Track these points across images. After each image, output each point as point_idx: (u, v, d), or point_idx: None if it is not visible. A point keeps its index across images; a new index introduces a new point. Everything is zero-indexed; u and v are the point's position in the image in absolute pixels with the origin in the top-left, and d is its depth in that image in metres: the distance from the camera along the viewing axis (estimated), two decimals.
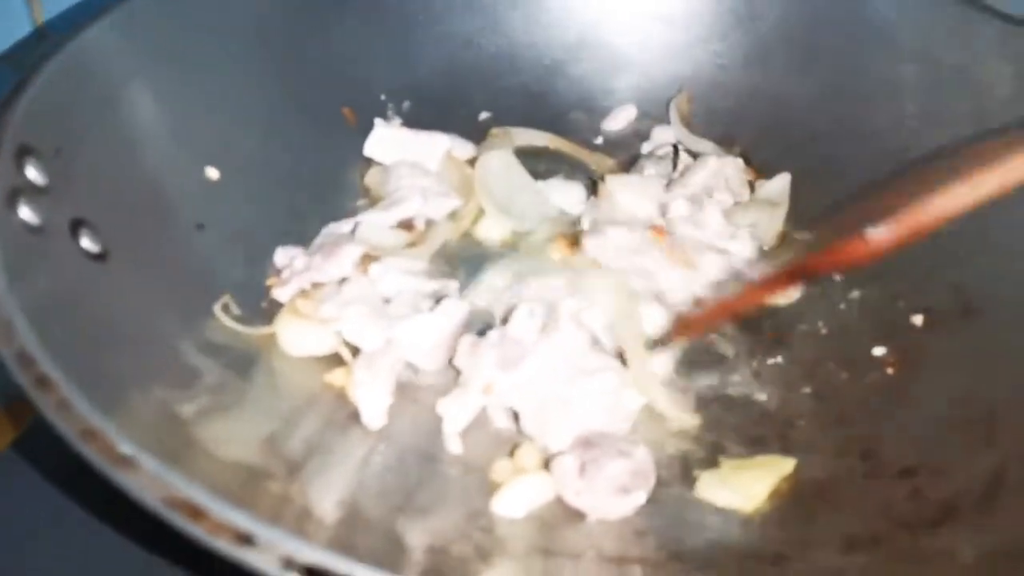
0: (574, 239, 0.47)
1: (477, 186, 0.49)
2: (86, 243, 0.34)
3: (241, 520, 0.22)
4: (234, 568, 0.21)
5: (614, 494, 0.34)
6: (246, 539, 0.21)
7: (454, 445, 0.36)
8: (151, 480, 0.22)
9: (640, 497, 0.34)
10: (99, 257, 0.34)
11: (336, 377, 0.39)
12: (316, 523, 0.28)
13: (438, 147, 0.50)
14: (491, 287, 0.43)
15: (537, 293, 0.41)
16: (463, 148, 0.52)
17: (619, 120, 0.56)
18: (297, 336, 0.40)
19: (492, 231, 0.48)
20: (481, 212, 0.48)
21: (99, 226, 0.35)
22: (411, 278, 0.43)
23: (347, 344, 0.40)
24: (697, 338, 0.42)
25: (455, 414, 0.37)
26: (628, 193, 0.47)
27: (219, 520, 0.22)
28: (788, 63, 0.54)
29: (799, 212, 0.49)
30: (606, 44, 0.57)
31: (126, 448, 0.23)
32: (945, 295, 0.43)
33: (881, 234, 0.33)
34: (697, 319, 0.41)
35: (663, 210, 0.47)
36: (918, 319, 0.43)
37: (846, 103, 0.53)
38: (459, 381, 0.38)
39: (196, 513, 0.22)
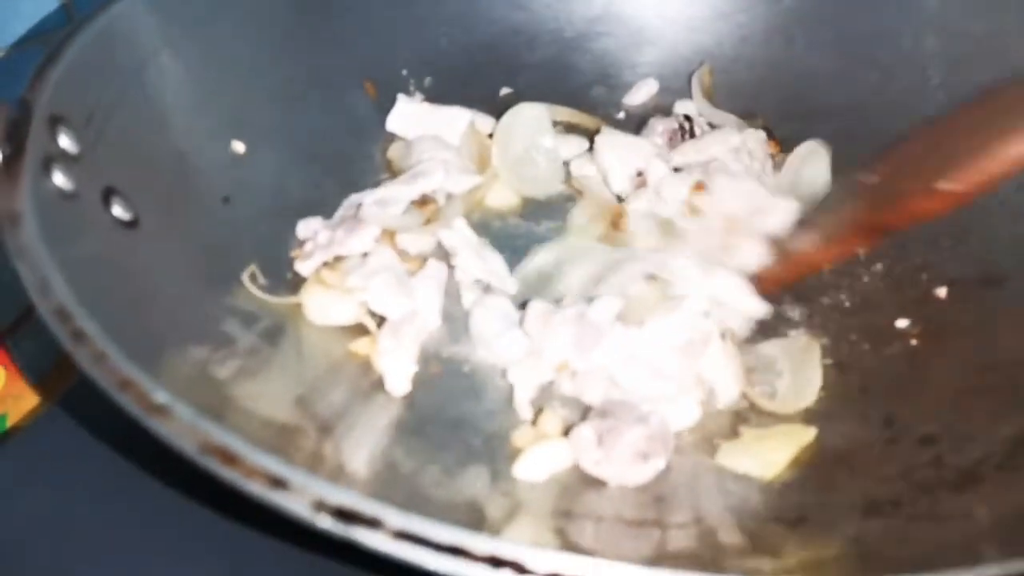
0: (617, 218, 0.46)
1: (497, 136, 0.48)
2: (117, 211, 0.35)
3: (273, 465, 0.22)
4: (277, 517, 0.22)
5: (633, 461, 0.34)
6: (279, 482, 0.22)
7: (525, 411, 0.37)
8: (186, 427, 0.23)
9: (659, 463, 0.35)
10: (130, 224, 0.35)
11: (361, 346, 0.40)
12: (348, 478, 0.28)
13: (460, 121, 0.50)
14: (540, 271, 0.43)
15: (619, 284, 0.41)
16: (484, 123, 0.52)
17: (641, 94, 0.56)
18: (322, 305, 0.40)
19: (501, 198, 0.48)
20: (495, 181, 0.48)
21: (129, 194, 0.36)
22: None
23: (371, 313, 0.40)
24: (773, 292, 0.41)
25: (526, 381, 0.37)
26: (612, 151, 0.47)
27: (252, 465, 0.22)
28: (811, 35, 0.54)
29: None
30: (628, 17, 0.57)
31: (161, 397, 0.24)
32: (969, 266, 0.43)
33: (954, 187, 0.33)
34: (777, 275, 0.41)
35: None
36: (942, 291, 0.43)
37: (870, 75, 0.52)
38: (530, 349, 0.38)
39: (230, 458, 0.22)
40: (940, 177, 0.34)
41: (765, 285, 0.41)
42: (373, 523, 0.21)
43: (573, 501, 0.34)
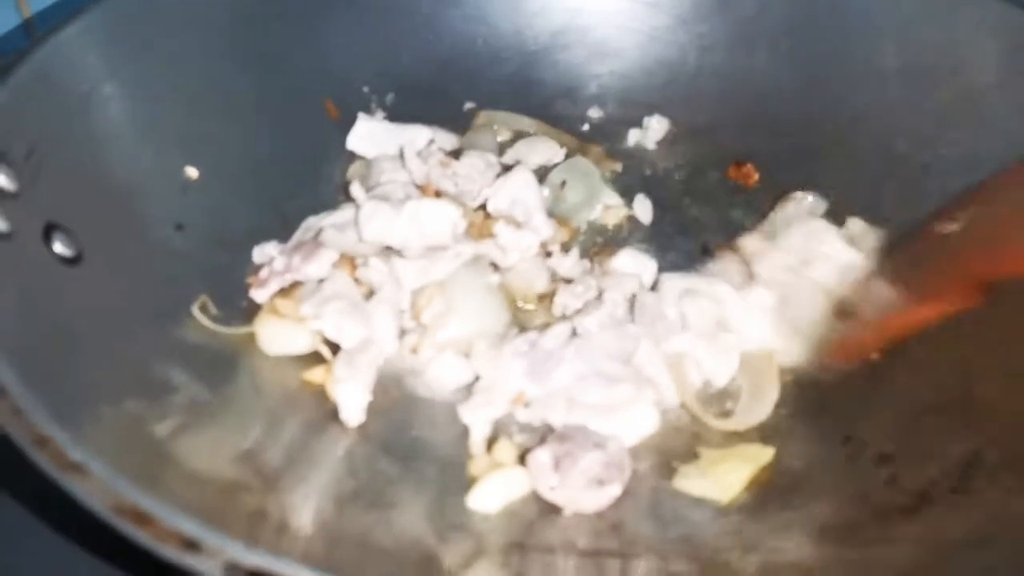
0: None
1: None
2: (59, 247, 0.34)
3: (187, 526, 0.22)
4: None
5: (589, 487, 0.34)
6: (192, 545, 0.22)
7: (480, 448, 0.36)
8: (100, 487, 0.23)
9: (615, 489, 0.34)
10: (72, 261, 0.34)
11: (315, 375, 0.39)
12: (292, 537, 0.28)
13: (421, 139, 0.50)
14: None
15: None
16: (446, 139, 0.52)
17: (652, 132, 0.54)
18: (276, 335, 0.40)
19: None
20: None
21: (73, 229, 0.35)
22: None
23: (326, 342, 0.40)
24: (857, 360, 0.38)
25: (480, 419, 0.37)
26: None
27: (166, 526, 0.22)
28: (772, 47, 0.54)
29: (789, 191, 0.48)
30: (590, 30, 0.57)
31: (77, 455, 0.23)
32: None
33: None
34: (857, 343, 0.38)
35: None
36: None
37: (831, 85, 0.52)
38: (480, 387, 0.38)
39: (143, 519, 0.22)
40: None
41: (840, 352, 0.38)
42: None
43: (528, 532, 0.34)
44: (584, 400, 0.37)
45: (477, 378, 0.39)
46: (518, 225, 0.43)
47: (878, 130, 0.49)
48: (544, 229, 0.44)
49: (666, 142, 0.54)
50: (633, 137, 0.55)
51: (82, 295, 0.33)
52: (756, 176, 0.51)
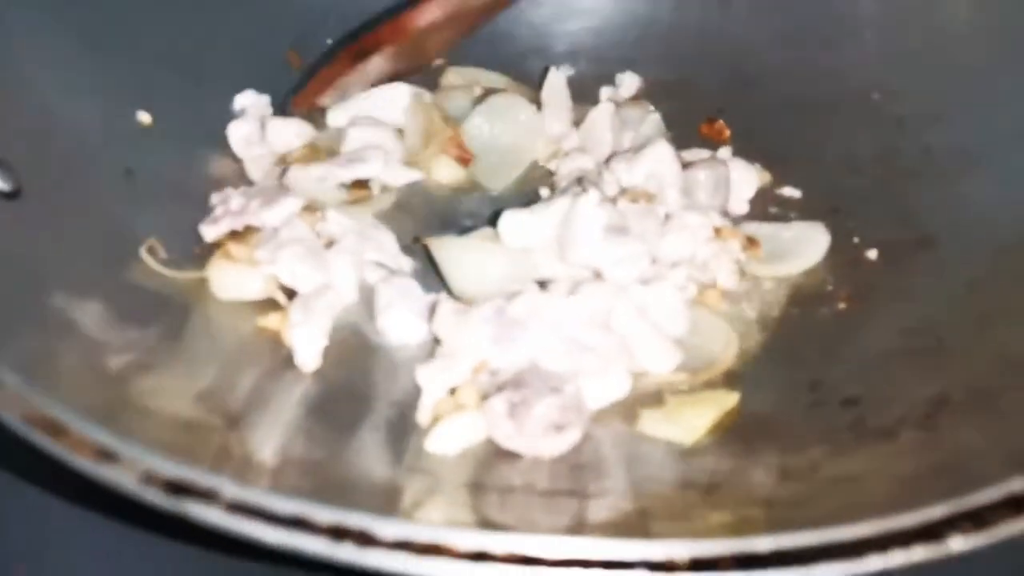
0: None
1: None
2: None
3: (101, 436, 0.21)
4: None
5: (546, 433, 0.33)
6: (107, 455, 0.20)
7: (425, 416, 0.34)
8: (13, 397, 0.21)
9: (574, 434, 0.33)
10: (10, 195, 0.33)
11: (271, 321, 0.38)
12: (256, 470, 0.27)
13: (401, 98, 0.48)
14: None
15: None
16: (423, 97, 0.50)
17: (625, 89, 0.52)
18: (229, 280, 0.39)
19: (447, 173, 0.46)
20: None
21: (11, 163, 0.34)
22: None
23: (283, 288, 0.39)
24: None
25: (436, 386, 0.35)
26: None
27: (80, 436, 0.21)
28: (747, 1, 0.53)
29: (765, 151, 0.47)
30: None
31: None
32: (900, 228, 0.42)
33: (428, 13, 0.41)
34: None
35: None
36: (872, 254, 0.42)
37: (807, 41, 0.51)
38: (441, 351, 0.36)
39: (57, 430, 0.21)
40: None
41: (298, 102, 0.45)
42: (207, 495, 0.20)
43: (486, 474, 0.33)
44: (549, 370, 0.36)
45: (436, 340, 0.37)
46: (649, 199, 0.41)
47: (854, 83, 0.48)
48: (675, 206, 0.42)
49: (638, 99, 0.53)
50: (605, 94, 0.53)
51: (22, 231, 0.32)
52: (728, 132, 0.51)
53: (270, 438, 0.31)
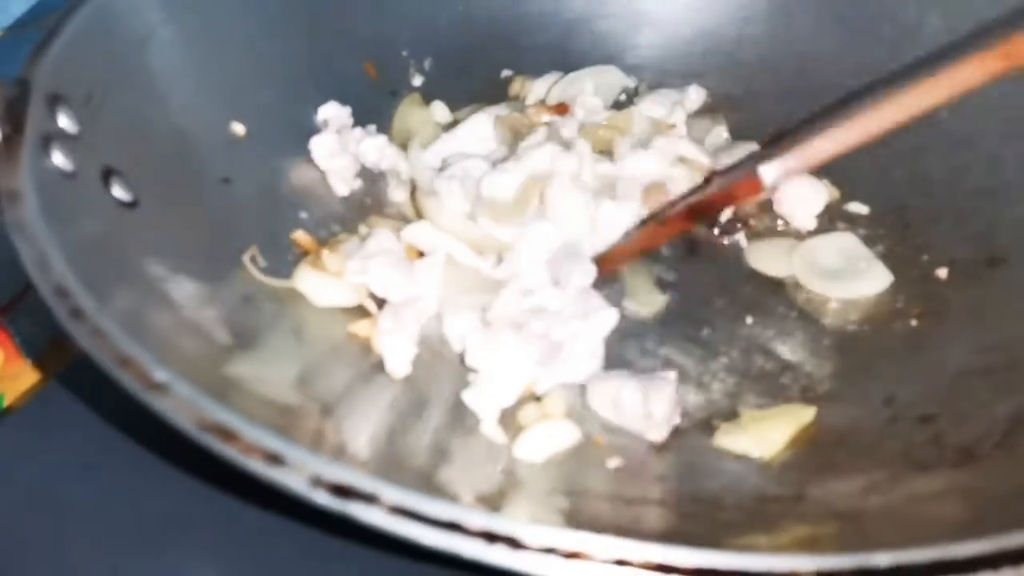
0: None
1: None
2: (117, 191, 0.35)
3: (270, 441, 0.22)
4: (274, 492, 0.22)
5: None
6: (276, 459, 0.22)
7: (492, 431, 0.35)
8: (185, 405, 0.23)
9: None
10: (130, 205, 0.35)
11: (360, 328, 0.40)
12: (350, 459, 0.28)
13: (483, 126, 0.48)
14: None
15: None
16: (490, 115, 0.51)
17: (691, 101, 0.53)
18: (321, 288, 0.40)
19: None
20: None
21: (129, 175, 0.36)
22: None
23: (372, 296, 0.40)
24: (610, 275, 0.41)
25: (488, 408, 0.36)
26: None
27: (250, 441, 0.22)
28: (813, 12, 0.53)
29: (831, 167, 0.48)
30: None
31: (161, 375, 0.24)
32: (970, 246, 0.43)
33: (772, 171, 0.34)
34: (609, 257, 0.41)
35: None
36: (943, 272, 0.43)
37: (872, 55, 0.52)
38: (481, 377, 0.37)
39: (228, 435, 0.22)
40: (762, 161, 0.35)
41: (604, 267, 0.41)
42: (369, 499, 0.22)
43: (572, 481, 0.34)
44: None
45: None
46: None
47: None
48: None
49: (704, 111, 0.54)
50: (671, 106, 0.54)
51: (141, 238, 0.34)
52: None
53: (363, 431, 0.33)
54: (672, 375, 0.37)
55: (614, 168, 0.44)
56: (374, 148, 0.47)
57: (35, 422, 0.38)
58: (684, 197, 0.42)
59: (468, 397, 0.36)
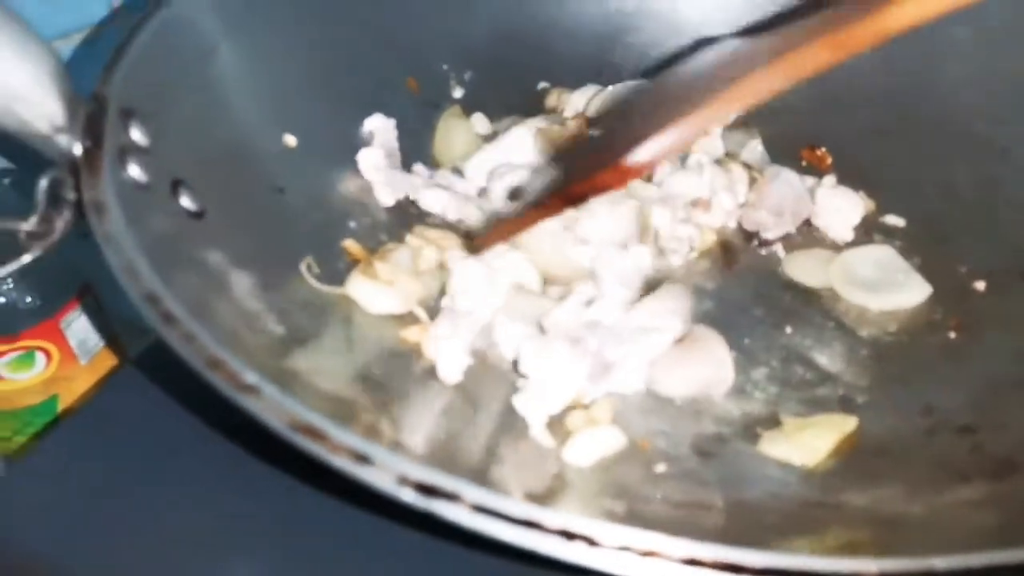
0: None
1: None
2: (185, 202, 0.36)
3: (357, 441, 0.24)
4: (341, 480, 0.23)
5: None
6: (364, 458, 0.23)
7: (541, 436, 0.36)
8: (275, 406, 0.24)
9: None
10: (197, 215, 0.36)
11: (411, 333, 0.41)
12: (408, 453, 0.29)
13: (524, 139, 0.49)
14: None
15: None
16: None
17: None
18: (373, 295, 0.42)
19: None
20: None
21: (195, 186, 0.37)
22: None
23: (421, 303, 0.42)
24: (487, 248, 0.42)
25: (536, 414, 0.37)
26: None
27: (338, 441, 0.24)
28: None
29: (866, 178, 0.49)
30: (665, 12, 0.58)
31: (250, 377, 0.25)
32: (1008, 258, 0.44)
33: (638, 158, 0.33)
34: (487, 237, 0.42)
35: None
36: (980, 284, 0.44)
37: (907, 67, 0.52)
38: (531, 384, 0.38)
39: (317, 435, 0.24)
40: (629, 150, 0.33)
41: (476, 245, 0.41)
42: (452, 497, 0.23)
43: (620, 485, 0.35)
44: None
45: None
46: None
47: (955, 111, 0.50)
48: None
49: (738, 124, 0.55)
50: None
51: (208, 246, 0.35)
52: (830, 160, 0.52)
53: (417, 431, 0.34)
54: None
55: (658, 188, 0.45)
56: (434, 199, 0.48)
57: (89, 426, 0.39)
58: (556, 184, 0.41)
59: (518, 402, 0.37)
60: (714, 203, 0.47)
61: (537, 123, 0.51)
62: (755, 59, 0.33)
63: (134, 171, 0.33)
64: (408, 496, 0.23)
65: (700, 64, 0.39)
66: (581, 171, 0.37)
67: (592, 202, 0.39)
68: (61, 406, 0.47)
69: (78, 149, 0.32)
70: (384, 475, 0.23)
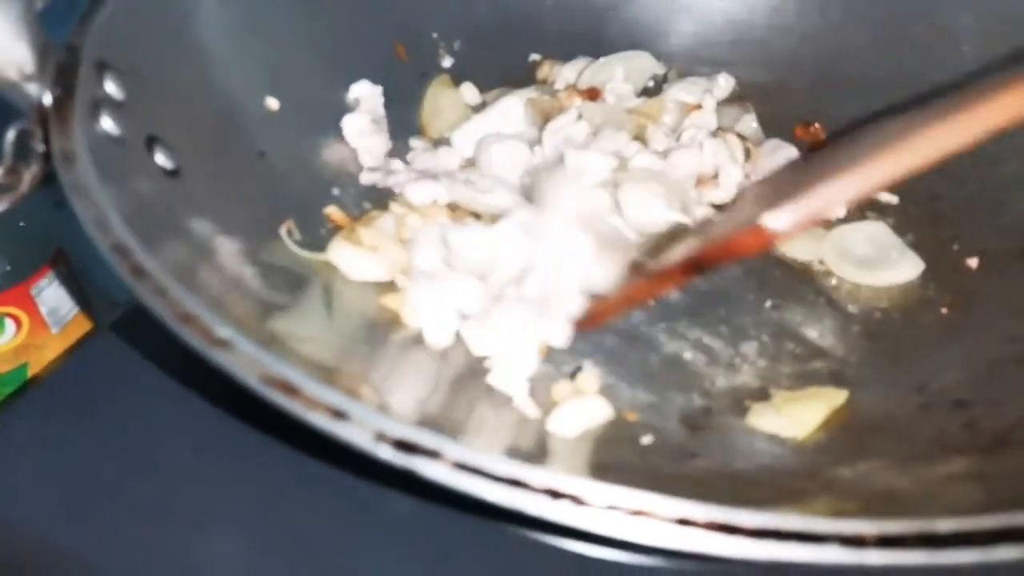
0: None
1: None
2: (160, 159, 0.35)
3: (333, 397, 0.23)
4: (322, 440, 0.23)
5: None
6: (340, 414, 0.22)
7: (528, 408, 0.35)
8: (248, 360, 0.23)
9: None
10: (172, 174, 0.35)
11: (392, 300, 0.40)
12: (395, 416, 0.28)
13: (515, 109, 0.48)
14: None
15: None
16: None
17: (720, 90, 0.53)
18: (355, 261, 0.41)
19: None
20: None
21: (171, 144, 0.36)
22: None
23: (405, 272, 0.41)
24: (598, 327, 0.38)
25: (513, 382, 0.36)
26: None
27: (314, 397, 0.23)
28: (845, 7, 0.54)
29: None
30: None
31: (223, 331, 0.24)
32: (1001, 236, 0.43)
33: (779, 222, 0.30)
34: (600, 311, 0.38)
35: None
36: (973, 262, 0.43)
37: (904, 48, 0.52)
38: (496, 358, 0.37)
39: (292, 390, 0.23)
40: (765, 212, 0.30)
41: (581, 324, 0.38)
42: (433, 454, 0.22)
43: (606, 456, 0.34)
44: None
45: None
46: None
47: (952, 90, 0.49)
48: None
49: (733, 99, 0.54)
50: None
51: (184, 205, 0.34)
52: (823, 136, 0.52)
53: (399, 396, 0.33)
54: None
55: (657, 162, 0.44)
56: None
57: (60, 394, 0.38)
58: (679, 245, 0.38)
59: (492, 380, 0.36)
60: (721, 177, 0.46)
61: (528, 94, 0.50)
62: (911, 130, 0.30)
63: (107, 124, 0.32)
64: (386, 453, 0.22)
65: (852, 139, 0.37)
66: (713, 237, 0.34)
67: None
68: (31, 373, 0.46)
69: (48, 98, 0.30)
70: (361, 432, 0.22)
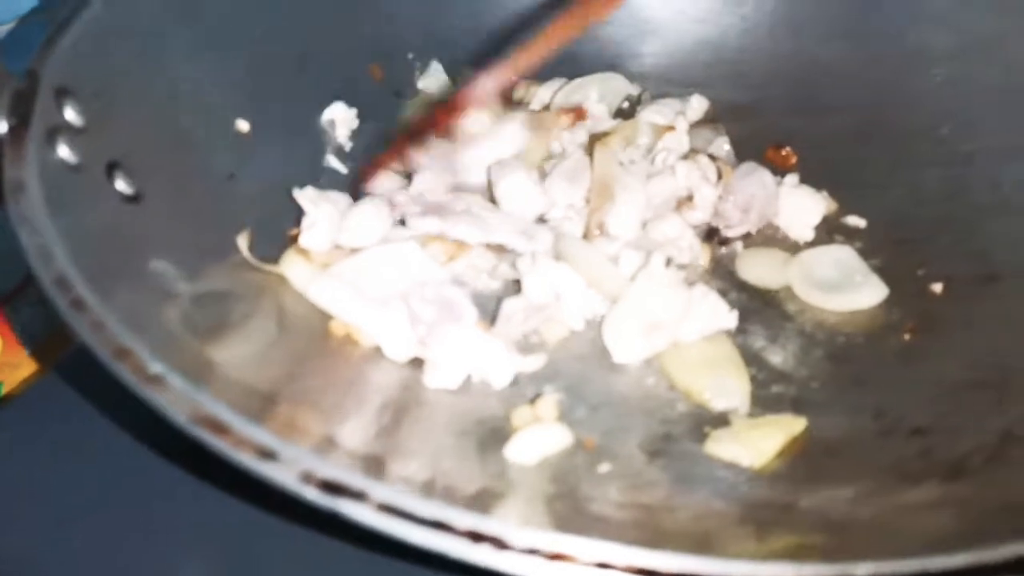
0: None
1: None
2: (121, 185, 0.35)
3: (262, 436, 0.23)
4: (266, 490, 0.23)
5: None
6: (267, 454, 0.22)
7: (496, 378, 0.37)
8: (179, 397, 0.23)
9: None
10: (133, 199, 0.35)
11: (338, 326, 0.39)
12: (337, 451, 0.28)
13: (516, 134, 0.48)
14: None
15: None
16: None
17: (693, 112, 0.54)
18: (306, 277, 0.40)
19: None
20: None
21: (133, 169, 0.36)
22: None
23: None
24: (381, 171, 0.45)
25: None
26: None
27: (241, 435, 0.23)
28: (817, 29, 0.54)
29: (831, 179, 0.49)
30: (634, 8, 0.57)
31: (156, 367, 0.24)
32: (966, 262, 0.43)
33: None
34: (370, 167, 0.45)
35: None
36: (938, 287, 0.43)
37: (877, 72, 0.52)
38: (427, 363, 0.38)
39: (220, 428, 0.23)
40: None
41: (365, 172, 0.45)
42: (358, 496, 0.22)
43: (563, 484, 0.34)
44: None
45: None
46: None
47: (923, 115, 0.49)
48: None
49: (706, 121, 0.54)
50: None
51: (141, 231, 0.34)
52: (794, 159, 0.52)
53: (349, 426, 0.33)
54: None
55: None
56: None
57: (33, 412, 0.38)
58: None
59: (427, 382, 0.37)
60: (696, 198, 0.46)
61: (520, 115, 0.51)
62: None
63: (63, 152, 0.32)
64: (311, 494, 0.22)
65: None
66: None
67: None
68: (5, 391, 0.46)
69: (2, 127, 0.30)
70: (287, 472, 0.22)
